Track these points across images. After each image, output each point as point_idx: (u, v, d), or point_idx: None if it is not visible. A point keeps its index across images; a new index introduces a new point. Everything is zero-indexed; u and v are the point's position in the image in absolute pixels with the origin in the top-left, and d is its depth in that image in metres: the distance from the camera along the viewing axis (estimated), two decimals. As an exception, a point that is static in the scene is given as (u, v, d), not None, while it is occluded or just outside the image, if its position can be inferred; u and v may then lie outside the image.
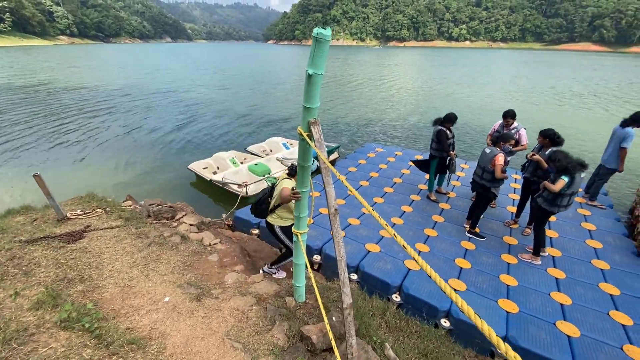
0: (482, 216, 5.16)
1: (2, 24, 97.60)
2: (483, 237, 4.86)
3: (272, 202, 3.43)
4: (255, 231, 5.11)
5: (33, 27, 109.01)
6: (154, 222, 4.07)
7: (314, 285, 2.17)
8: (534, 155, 4.60)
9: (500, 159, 4.35)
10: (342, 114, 16.00)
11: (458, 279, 4.04)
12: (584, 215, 5.58)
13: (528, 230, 5.04)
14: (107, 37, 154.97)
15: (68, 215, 3.74)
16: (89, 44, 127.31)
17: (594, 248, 4.71)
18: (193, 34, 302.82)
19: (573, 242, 4.85)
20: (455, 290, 3.83)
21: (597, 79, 30.95)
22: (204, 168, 7.93)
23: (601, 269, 4.26)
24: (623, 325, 3.40)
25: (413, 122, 14.44)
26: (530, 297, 3.78)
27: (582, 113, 16.43)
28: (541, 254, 4.43)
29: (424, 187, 6.56)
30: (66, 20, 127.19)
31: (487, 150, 4.56)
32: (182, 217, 4.31)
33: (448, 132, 5.39)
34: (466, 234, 4.95)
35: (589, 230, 5.13)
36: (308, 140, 1.97)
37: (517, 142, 5.27)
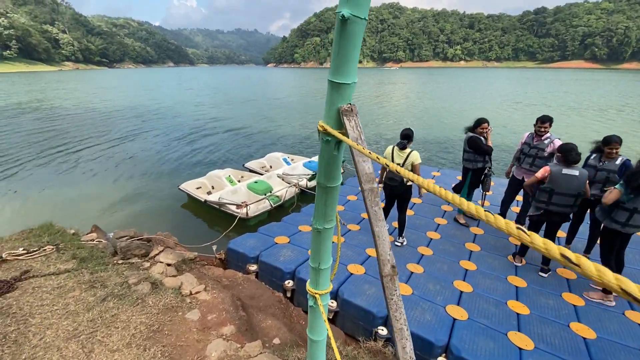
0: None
1: (8, 51, 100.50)
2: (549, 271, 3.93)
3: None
4: (253, 267, 4.10)
5: (39, 53, 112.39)
6: (120, 262, 3.12)
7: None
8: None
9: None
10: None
11: (519, 331, 3.07)
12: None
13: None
14: (111, 62, 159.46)
15: (4, 256, 2.83)
16: (94, 69, 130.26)
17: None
18: (195, 58, 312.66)
19: (648, 275, 3.89)
20: (520, 349, 2.86)
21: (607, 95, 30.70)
22: (197, 188, 7.09)
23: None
24: None
25: (430, 138, 13.67)
26: (612, 350, 2.81)
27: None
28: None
29: (448, 208, 5.68)
30: (71, 47, 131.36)
31: (576, 173, 3.54)
32: (158, 254, 3.34)
33: (483, 138, 4.59)
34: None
35: (663, 260, 4.18)
36: (340, 136, 1.08)
37: (552, 155, 4.45)
